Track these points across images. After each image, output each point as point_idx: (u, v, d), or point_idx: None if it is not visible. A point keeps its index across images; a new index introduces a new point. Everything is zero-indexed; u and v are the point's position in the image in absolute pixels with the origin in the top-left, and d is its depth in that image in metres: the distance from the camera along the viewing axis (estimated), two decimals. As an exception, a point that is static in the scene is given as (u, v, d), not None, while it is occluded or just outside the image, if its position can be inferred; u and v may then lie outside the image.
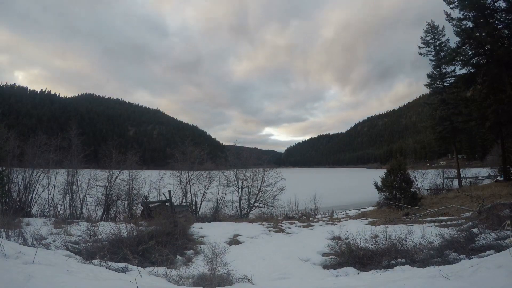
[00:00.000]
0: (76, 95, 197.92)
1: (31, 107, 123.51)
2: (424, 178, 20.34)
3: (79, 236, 6.43)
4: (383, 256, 5.03)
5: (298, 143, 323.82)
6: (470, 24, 16.96)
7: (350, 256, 5.36)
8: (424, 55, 21.43)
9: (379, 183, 14.60)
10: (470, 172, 26.00)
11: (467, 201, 11.88)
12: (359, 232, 6.66)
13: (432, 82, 21.67)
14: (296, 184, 22.54)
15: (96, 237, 6.03)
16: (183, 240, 6.44)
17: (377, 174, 15.69)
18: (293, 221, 11.81)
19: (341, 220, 12.46)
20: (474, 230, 5.32)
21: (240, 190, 14.83)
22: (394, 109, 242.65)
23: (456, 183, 21.29)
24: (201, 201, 13.83)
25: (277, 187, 14.96)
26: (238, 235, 8.51)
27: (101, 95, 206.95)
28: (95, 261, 4.15)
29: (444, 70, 20.94)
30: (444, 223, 8.54)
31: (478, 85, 17.92)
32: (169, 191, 11.64)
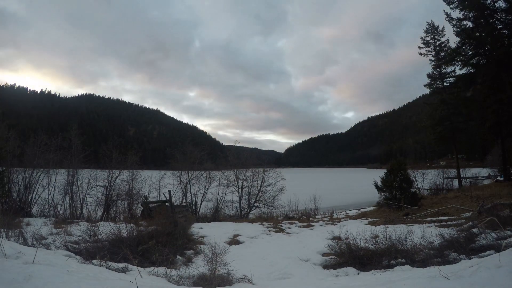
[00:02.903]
0: (76, 95, 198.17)
1: (31, 107, 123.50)
2: (424, 178, 20.32)
3: (79, 236, 6.43)
4: (383, 256, 5.03)
5: (298, 143, 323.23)
6: (470, 24, 16.98)
7: (350, 256, 5.36)
8: (424, 55, 21.43)
9: (379, 183, 14.58)
10: (470, 172, 25.92)
11: (467, 201, 11.88)
12: (359, 232, 6.64)
13: (432, 82, 21.66)
14: (296, 184, 22.54)
15: (96, 237, 6.03)
16: (183, 240, 6.44)
17: (377, 174, 15.68)
18: (293, 221, 11.81)
19: (341, 220, 12.46)
20: (474, 230, 5.32)
21: (240, 190, 14.83)
22: (394, 109, 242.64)
23: (456, 183, 21.26)
24: (201, 201, 13.84)
25: (277, 187, 14.97)
26: (238, 235, 8.51)
27: (101, 95, 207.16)
28: (95, 261, 4.15)
29: (444, 70, 20.92)
30: (444, 223, 8.54)
31: (478, 85, 17.91)
32: (169, 191, 11.64)
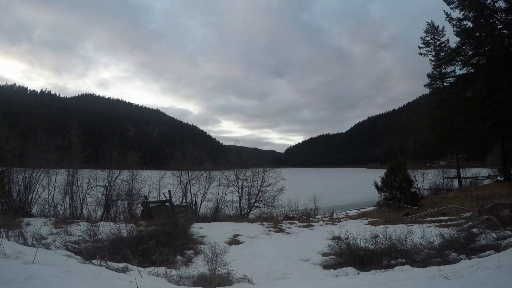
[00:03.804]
0: (76, 95, 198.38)
1: (31, 107, 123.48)
2: (424, 178, 20.34)
3: (79, 236, 6.43)
4: (383, 256, 5.02)
5: (298, 143, 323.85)
6: (470, 24, 16.99)
7: (350, 256, 5.36)
8: (424, 55, 21.43)
9: (379, 183, 14.59)
10: (470, 172, 25.96)
11: (467, 201, 11.89)
12: (359, 232, 6.65)
13: (432, 82, 21.68)
14: (296, 184, 22.52)
15: (96, 237, 6.04)
16: (183, 240, 6.44)
17: (377, 174, 15.68)
18: (293, 221, 11.81)
19: (341, 220, 12.46)
20: (474, 230, 5.32)
21: (240, 190, 14.83)
22: (394, 109, 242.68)
23: (456, 183, 21.28)
24: (201, 201, 13.83)
25: (277, 187, 14.96)
26: (238, 235, 8.51)
27: (101, 95, 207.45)
28: (95, 261, 4.15)
29: (444, 70, 20.94)
30: (444, 223, 8.54)
31: (478, 85, 17.92)
32: (169, 191, 11.66)
